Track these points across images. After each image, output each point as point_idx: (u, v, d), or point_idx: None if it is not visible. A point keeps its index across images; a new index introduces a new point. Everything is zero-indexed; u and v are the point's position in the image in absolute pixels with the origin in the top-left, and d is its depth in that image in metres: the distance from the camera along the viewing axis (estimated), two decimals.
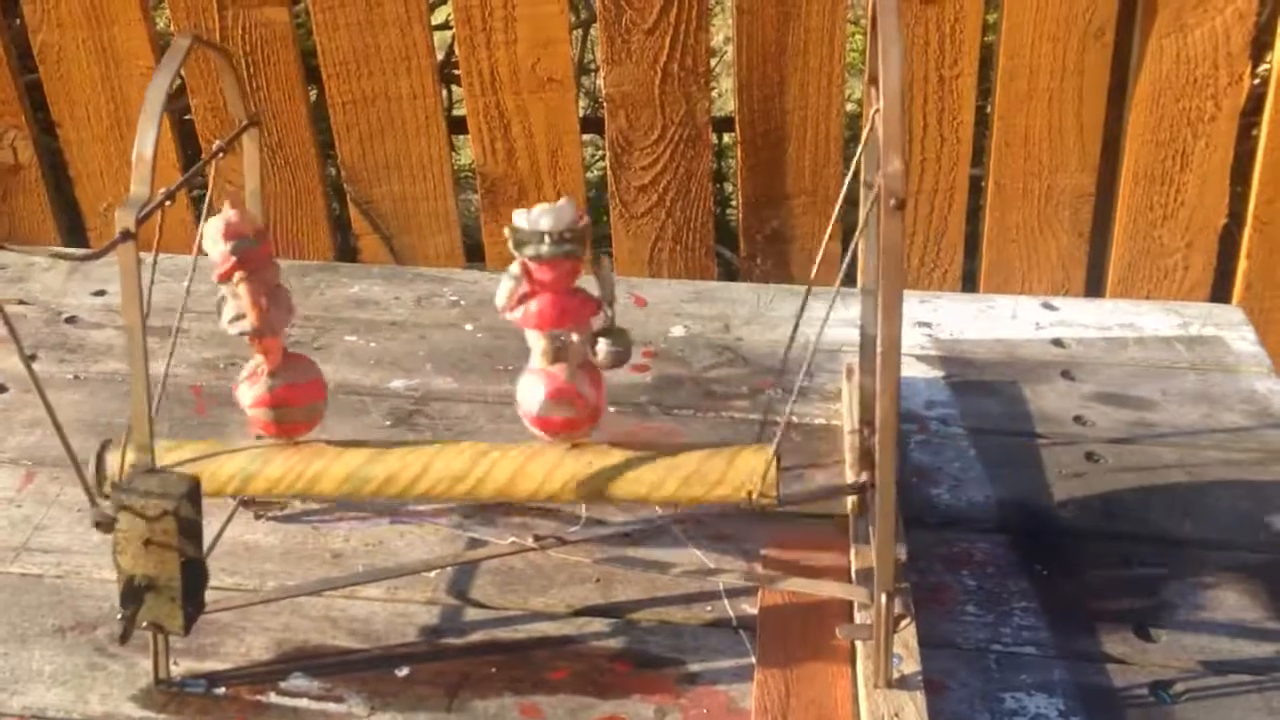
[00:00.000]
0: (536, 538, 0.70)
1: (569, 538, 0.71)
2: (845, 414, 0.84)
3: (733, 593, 0.73)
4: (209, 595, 0.65)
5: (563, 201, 0.64)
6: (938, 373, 0.92)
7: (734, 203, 1.52)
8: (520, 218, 0.64)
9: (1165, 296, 1.28)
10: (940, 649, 0.68)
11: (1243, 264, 1.33)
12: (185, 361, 0.95)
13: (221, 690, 0.67)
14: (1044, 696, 0.65)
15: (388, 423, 0.88)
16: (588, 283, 0.67)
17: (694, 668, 0.68)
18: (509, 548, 0.71)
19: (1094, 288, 1.35)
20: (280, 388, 0.67)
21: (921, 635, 0.66)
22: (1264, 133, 1.28)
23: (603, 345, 0.66)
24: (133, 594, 0.59)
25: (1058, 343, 0.96)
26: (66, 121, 1.37)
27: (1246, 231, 1.32)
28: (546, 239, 0.63)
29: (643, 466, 0.65)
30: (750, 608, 0.71)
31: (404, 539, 0.77)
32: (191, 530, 0.59)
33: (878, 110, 0.59)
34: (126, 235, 0.55)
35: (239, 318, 0.66)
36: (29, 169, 1.39)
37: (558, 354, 0.66)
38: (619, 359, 0.66)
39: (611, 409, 0.90)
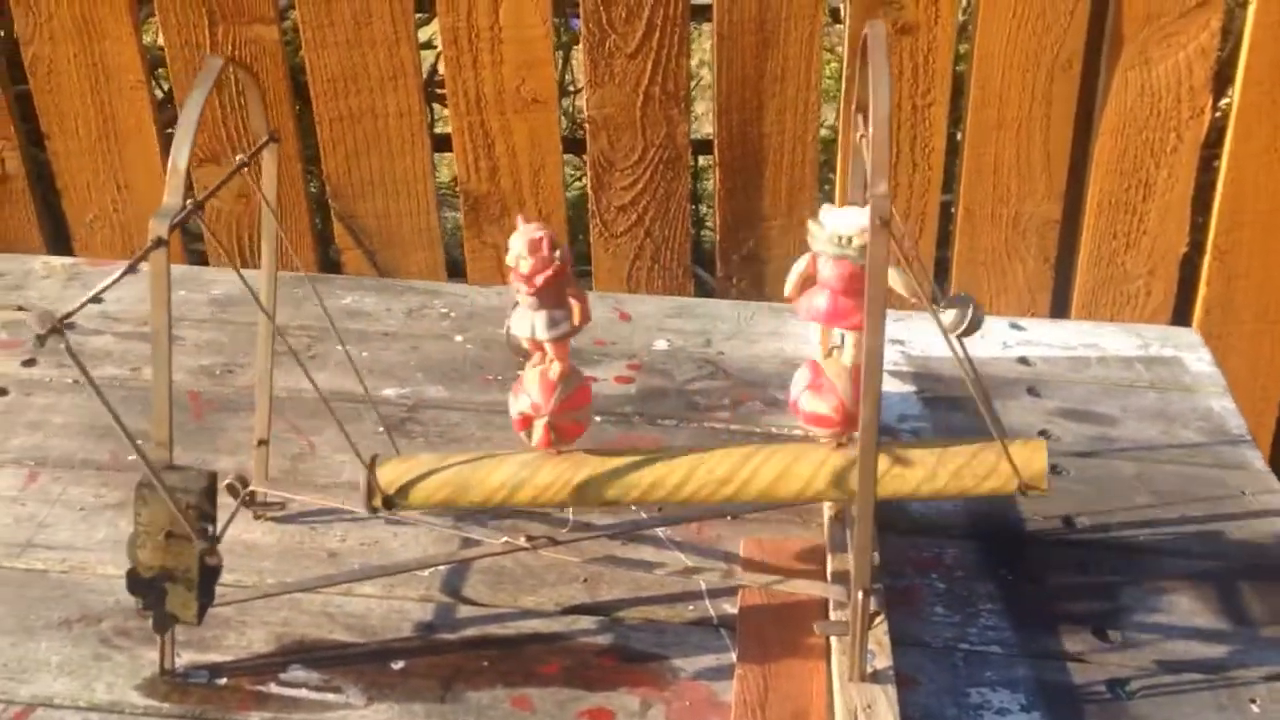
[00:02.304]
0: (529, 538, 0.73)
1: (560, 538, 0.74)
2: None
3: (714, 593, 0.76)
4: None
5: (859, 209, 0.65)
6: (910, 388, 0.96)
7: (709, 224, 1.55)
8: (825, 213, 0.67)
9: (1128, 321, 1.33)
10: (910, 647, 0.72)
11: (1202, 291, 1.37)
12: (181, 369, 0.97)
13: (223, 680, 0.69)
14: (1007, 692, 0.69)
15: (380, 430, 0.91)
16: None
17: (677, 663, 0.71)
18: (501, 547, 0.74)
19: (1059, 312, 1.39)
20: (575, 392, 0.69)
21: (893, 634, 0.69)
22: (1224, 165, 1.32)
23: (950, 313, 0.65)
24: (148, 585, 0.62)
25: (1024, 361, 1.00)
26: (55, 134, 1.39)
27: (1206, 260, 1.36)
28: (837, 239, 0.65)
29: (911, 463, 0.67)
30: (730, 607, 0.75)
31: (398, 539, 0.80)
32: (209, 523, 0.62)
33: (864, 136, 0.63)
34: (160, 242, 0.58)
35: (556, 322, 0.67)
36: (16, 180, 1.41)
37: (830, 352, 0.68)
38: (964, 323, 0.64)
39: (597, 418, 0.93)
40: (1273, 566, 0.78)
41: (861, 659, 0.65)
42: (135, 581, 0.63)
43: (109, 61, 1.35)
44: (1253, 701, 0.68)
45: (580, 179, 1.83)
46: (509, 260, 0.67)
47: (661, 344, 1.03)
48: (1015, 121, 1.32)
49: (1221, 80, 1.31)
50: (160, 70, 1.54)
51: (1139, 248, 1.37)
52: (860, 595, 0.63)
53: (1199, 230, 1.37)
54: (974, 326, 0.64)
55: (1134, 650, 0.72)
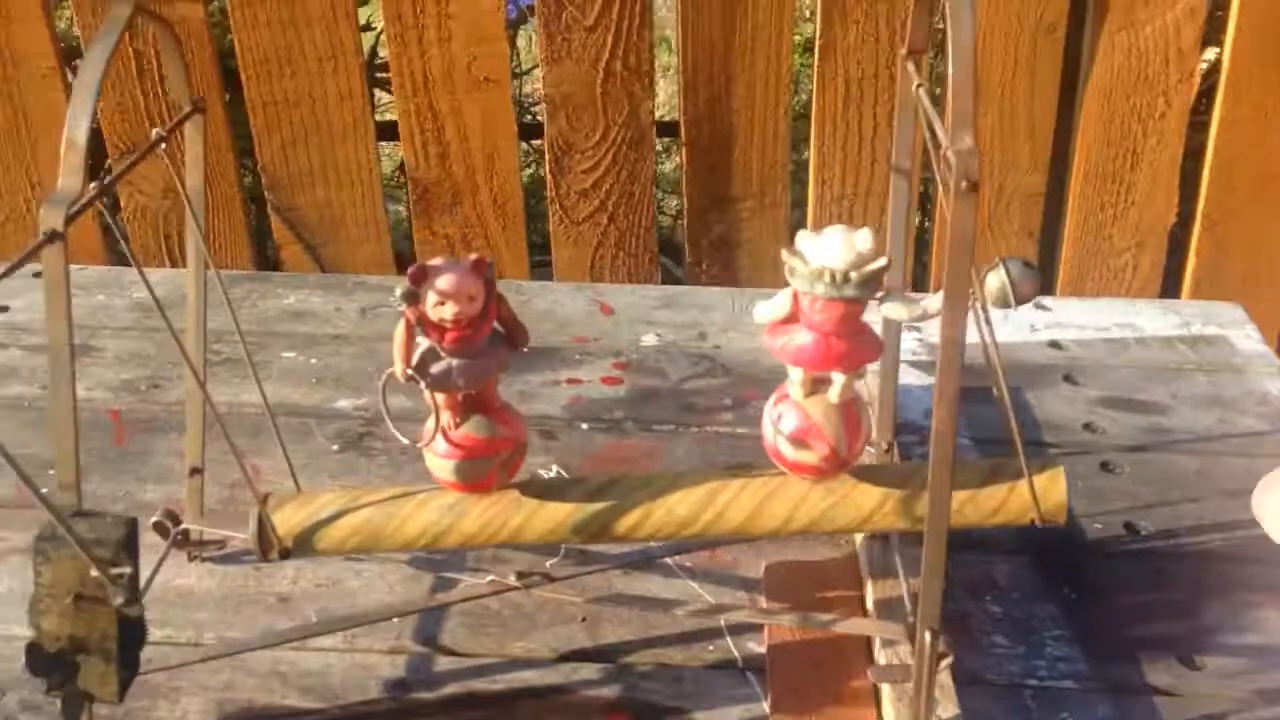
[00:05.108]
0: (519, 575, 0.62)
1: (553, 573, 0.63)
2: None
3: (734, 629, 0.65)
4: None
5: (859, 234, 0.55)
6: (933, 379, 0.86)
7: (666, 210, 1.46)
8: (804, 241, 0.55)
9: (1114, 296, 1.26)
10: (971, 686, 0.61)
11: (1191, 263, 1.32)
12: (101, 384, 0.85)
13: None
14: None
15: (335, 447, 0.80)
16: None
17: (699, 717, 0.60)
18: (487, 587, 0.63)
19: (1044, 288, 1.32)
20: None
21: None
22: (1213, 130, 1.26)
23: (992, 279, 0.53)
24: (55, 661, 0.50)
25: (1055, 345, 0.91)
26: None
27: (1195, 230, 1.30)
28: (829, 276, 0.54)
29: (899, 496, 0.59)
30: (756, 645, 0.64)
31: (361, 578, 0.69)
32: (129, 583, 0.50)
33: (920, 85, 0.53)
34: (54, 236, 0.45)
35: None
36: None
37: (814, 387, 0.58)
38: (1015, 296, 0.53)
39: (584, 426, 0.82)
40: None
41: (928, 709, 0.55)
42: (38, 658, 0.50)
43: (17, 48, 1.24)
44: None
45: (530, 165, 1.74)
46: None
47: (650, 339, 0.92)
48: (998, 88, 1.26)
49: (1209, 43, 1.25)
50: (77, 60, 1.42)
51: (1126, 220, 1.32)
52: (928, 635, 0.53)
53: (1186, 201, 1.31)
54: (1025, 294, 0.53)
55: (1228, 680, 0.62)
